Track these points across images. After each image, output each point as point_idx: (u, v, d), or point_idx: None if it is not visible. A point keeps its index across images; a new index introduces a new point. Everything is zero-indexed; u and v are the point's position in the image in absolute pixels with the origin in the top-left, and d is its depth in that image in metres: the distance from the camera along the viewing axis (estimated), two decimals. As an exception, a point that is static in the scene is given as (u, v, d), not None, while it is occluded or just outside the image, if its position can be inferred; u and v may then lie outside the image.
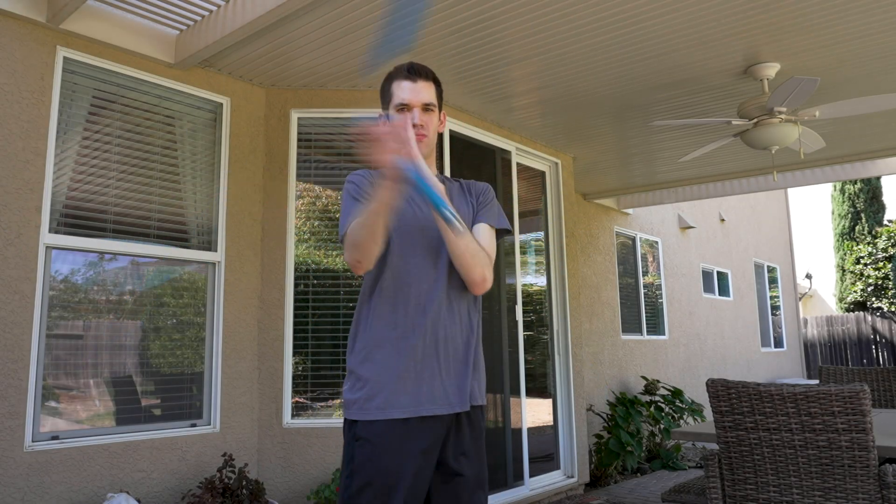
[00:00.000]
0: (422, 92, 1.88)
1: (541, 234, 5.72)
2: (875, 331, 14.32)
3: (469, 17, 3.51)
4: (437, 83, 1.95)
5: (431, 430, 1.74)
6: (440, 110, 1.95)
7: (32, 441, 3.17)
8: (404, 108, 1.87)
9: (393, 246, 1.83)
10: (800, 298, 16.31)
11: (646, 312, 8.23)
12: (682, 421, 7.30)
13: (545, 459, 5.35)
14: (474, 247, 1.80)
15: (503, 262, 5.12)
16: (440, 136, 1.87)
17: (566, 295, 5.67)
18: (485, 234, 1.92)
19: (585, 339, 7.01)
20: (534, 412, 5.30)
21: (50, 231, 3.34)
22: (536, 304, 5.54)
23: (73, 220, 3.45)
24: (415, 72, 1.89)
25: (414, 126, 1.84)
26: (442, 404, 1.77)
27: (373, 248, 1.70)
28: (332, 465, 4.01)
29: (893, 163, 6.35)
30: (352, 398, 1.77)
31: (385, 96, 1.94)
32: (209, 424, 3.86)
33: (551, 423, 5.48)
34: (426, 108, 1.88)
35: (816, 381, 10.52)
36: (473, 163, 4.97)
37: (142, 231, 3.71)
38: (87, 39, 3.52)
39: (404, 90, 1.87)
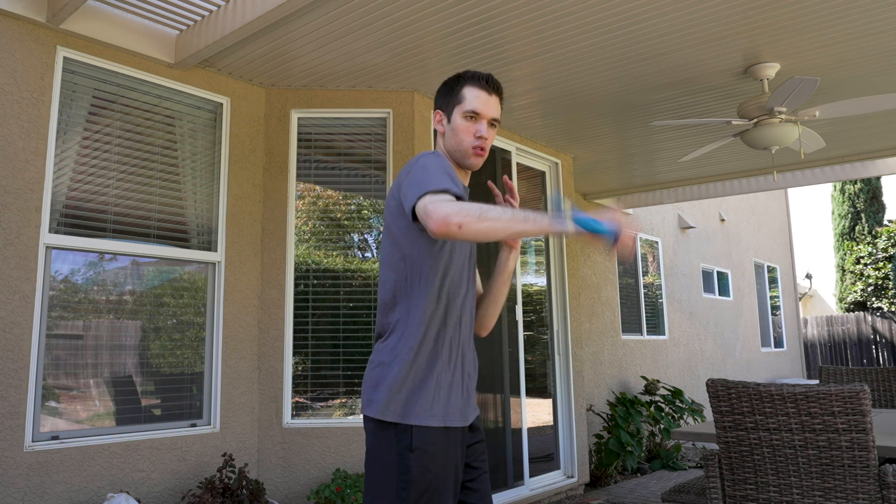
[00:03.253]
0: (493, 107, 1.86)
1: (541, 235, 5.71)
2: (875, 331, 14.32)
3: (469, 17, 3.51)
4: (503, 100, 1.94)
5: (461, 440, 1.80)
6: None
7: (32, 441, 3.17)
8: (474, 116, 1.84)
9: (452, 261, 1.80)
10: (800, 298, 16.31)
11: (646, 312, 8.23)
12: (682, 421, 7.30)
13: (545, 459, 5.35)
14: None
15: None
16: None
17: (566, 295, 5.67)
18: None
19: (585, 339, 7.01)
20: (534, 412, 5.30)
21: (50, 231, 3.34)
22: (536, 304, 5.54)
23: (73, 220, 3.45)
24: (493, 84, 1.86)
25: (479, 138, 1.84)
26: (465, 418, 1.81)
27: (481, 236, 1.53)
28: (332, 465, 4.01)
29: (893, 163, 6.35)
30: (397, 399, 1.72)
31: (452, 97, 1.87)
32: (209, 424, 3.86)
33: (551, 423, 5.48)
34: (492, 123, 1.87)
35: (816, 381, 10.52)
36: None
37: (142, 231, 3.71)
38: (87, 39, 3.52)
39: (480, 100, 1.84)
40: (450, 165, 1.76)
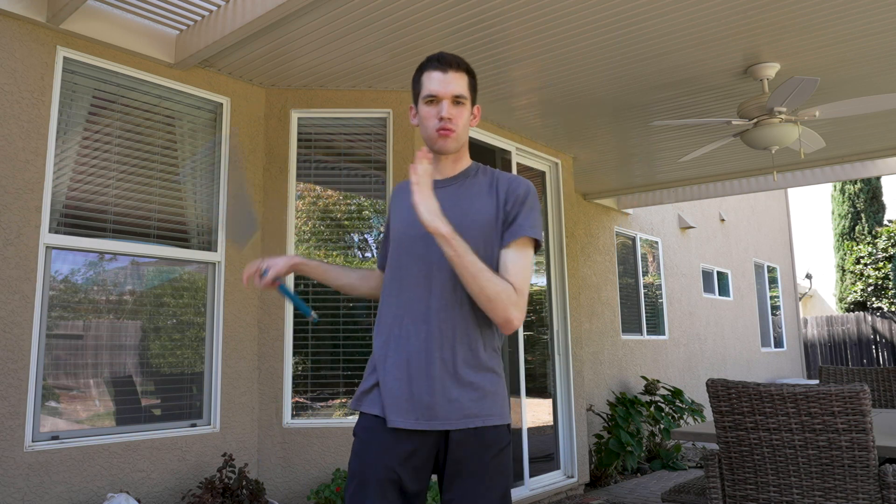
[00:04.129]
0: (452, 83, 1.75)
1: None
2: (875, 331, 14.32)
3: (469, 17, 3.51)
4: (471, 74, 1.81)
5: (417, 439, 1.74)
6: (473, 103, 1.82)
7: (32, 441, 3.17)
8: (433, 99, 1.76)
9: (393, 255, 1.83)
10: (800, 298, 16.31)
11: (646, 312, 8.23)
12: (682, 421, 7.30)
13: (545, 459, 5.35)
14: (492, 289, 1.64)
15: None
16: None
17: (566, 295, 5.67)
18: (512, 261, 1.72)
19: (585, 339, 7.01)
20: (534, 412, 5.30)
21: (50, 231, 3.34)
22: (536, 304, 5.54)
23: (73, 220, 3.45)
24: (445, 62, 1.76)
25: (441, 119, 1.74)
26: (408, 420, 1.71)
27: (350, 292, 1.90)
28: (332, 465, 4.01)
29: (893, 163, 6.35)
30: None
31: (415, 88, 1.82)
32: (209, 424, 3.86)
33: (551, 423, 5.48)
34: (456, 100, 1.75)
35: (816, 382, 10.51)
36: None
37: (142, 231, 3.71)
38: (87, 39, 3.52)
39: (434, 81, 1.75)
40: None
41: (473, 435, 1.68)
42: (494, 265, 1.74)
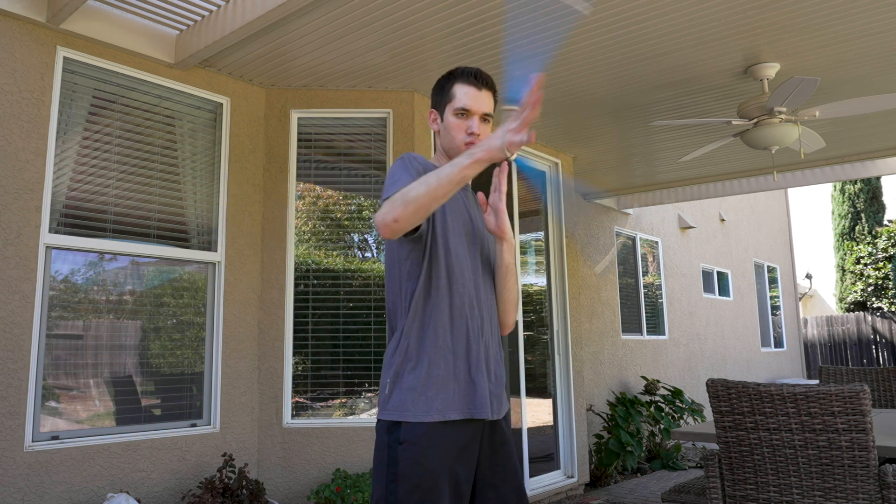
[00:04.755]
0: (484, 101, 1.85)
1: (541, 234, 5.72)
2: (875, 331, 14.32)
3: (469, 17, 3.51)
4: (496, 95, 1.92)
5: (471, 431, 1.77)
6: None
7: (32, 441, 3.17)
8: (465, 113, 1.84)
9: (445, 247, 1.79)
10: (800, 298, 16.31)
11: (646, 312, 8.23)
12: (682, 421, 7.30)
13: (545, 459, 5.35)
14: (517, 295, 1.92)
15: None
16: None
17: (566, 295, 5.67)
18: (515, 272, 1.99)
19: (585, 339, 7.01)
20: (534, 412, 5.30)
21: (50, 231, 3.34)
22: (536, 304, 5.54)
23: (73, 220, 3.45)
24: (482, 80, 1.85)
25: (471, 134, 1.83)
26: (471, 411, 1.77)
27: (420, 214, 1.56)
28: (332, 465, 4.01)
29: (893, 163, 6.35)
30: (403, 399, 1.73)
31: (443, 95, 1.88)
32: (209, 424, 3.86)
33: (551, 423, 5.48)
34: (484, 118, 1.86)
35: (816, 382, 10.51)
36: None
37: (142, 231, 3.71)
38: (87, 39, 3.52)
39: (469, 97, 1.84)
40: (414, 163, 1.78)
41: (505, 420, 1.88)
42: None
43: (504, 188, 1.82)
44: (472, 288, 1.81)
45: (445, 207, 1.83)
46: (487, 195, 2.00)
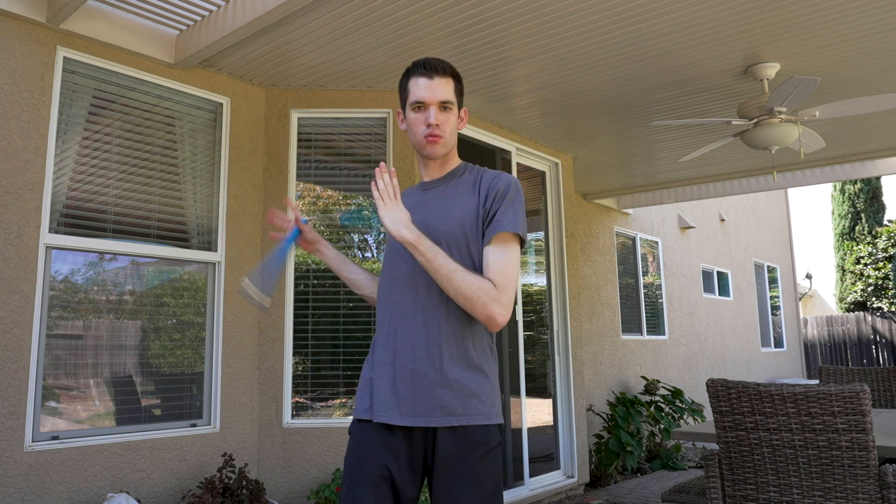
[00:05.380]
0: (438, 89, 1.77)
1: (541, 234, 5.73)
2: (875, 331, 14.32)
3: (469, 17, 3.51)
4: (457, 78, 1.83)
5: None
6: (460, 107, 1.85)
7: (32, 441, 3.17)
8: (420, 106, 1.78)
9: (386, 253, 1.89)
10: (800, 298, 16.31)
11: (646, 312, 8.23)
12: (682, 421, 7.30)
13: (545, 459, 5.35)
14: (467, 288, 1.65)
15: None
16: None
17: (566, 295, 5.67)
18: (493, 258, 1.72)
19: (585, 339, 7.01)
20: (534, 412, 5.30)
21: (50, 231, 3.34)
22: (536, 304, 5.54)
23: (73, 220, 3.45)
24: (431, 67, 1.78)
25: (429, 125, 1.77)
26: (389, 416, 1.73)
27: (358, 290, 1.99)
28: (332, 464, 4.01)
29: (893, 163, 6.35)
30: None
31: (402, 93, 1.85)
32: (209, 424, 3.86)
33: (551, 423, 5.48)
34: (443, 106, 1.78)
35: (816, 382, 10.50)
36: (473, 163, 4.97)
37: (142, 231, 3.71)
38: (87, 39, 3.52)
39: (420, 87, 1.77)
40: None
41: (460, 434, 1.67)
42: (478, 262, 1.76)
43: (377, 193, 1.73)
44: (402, 289, 1.78)
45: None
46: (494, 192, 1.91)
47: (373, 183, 1.74)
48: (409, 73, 1.82)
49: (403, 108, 1.85)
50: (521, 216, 1.77)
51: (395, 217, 1.69)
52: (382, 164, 1.73)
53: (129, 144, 3.71)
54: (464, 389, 1.70)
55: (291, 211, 1.97)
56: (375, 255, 4.41)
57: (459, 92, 1.84)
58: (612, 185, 7.33)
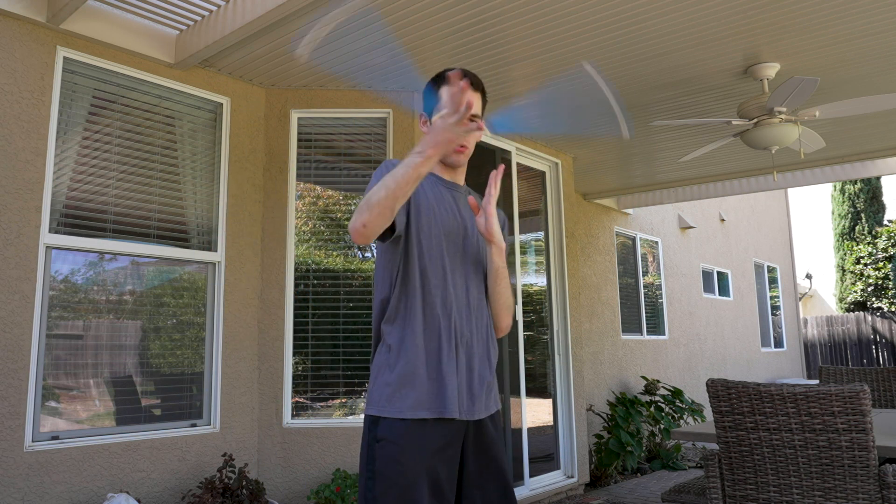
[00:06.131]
0: (473, 104, 1.81)
1: (541, 234, 5.72)
2: (875, 331, 14.32)
3: (469, 17, 3.51)
4: (485, 94, 1.92)
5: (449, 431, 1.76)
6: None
7: (32, 441, 3.17)
8: None
9: (419, 248, 1.80)
10: (800, 298, 16.31)
11: (646, 312, 8.23)
12: (682, 421, 7.30)
13: (545, 459, 5.35)
14: (511, 298, 1.90)
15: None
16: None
17: (566, 295, 5.67)
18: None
19: (585, 339, 7.01)
20: (534, 412, 5.30)
21: (50, 231, 3.34)
22: (536, 304, 5.54)
23: (73, 220, 3.45)
24: (470, 82, 1.84)
25: None
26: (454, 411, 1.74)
27: (385, 216, 1.59)
28: (332, 465, 4.01)
29: (893, 163, 6.35)
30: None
31: (432, 98, 1.89)
32: (209, 424, 3.86)
33: (551, 423, 5.48)
34: (472, 119, 1.84)
35: (816, 382, 10.50)
36: (473, 163, 4.97)
37: (142, 231, 3.71)
38: (87, 39, 3.52)
39: None
40: (390, 166, 1.79)
41: (495, 420, 1.86)
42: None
43: (494, 191, 1.80)
44: (450, 287, 1.80)
45: (421, 210, 1.81)
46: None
47: (494, 183, 1.81)
48: (442, 81, 1.89)
49: (430, 113, 1.91)
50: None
51: (497, 222, 1.89)
52: (502, 167, 1.83)
53: (129, 144, 3.71)
54: (492, 380, 1.90)
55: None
56: (375, 255, 4.40)
57: (485, 106, 1.93)
58: (612, 185, 7.33)
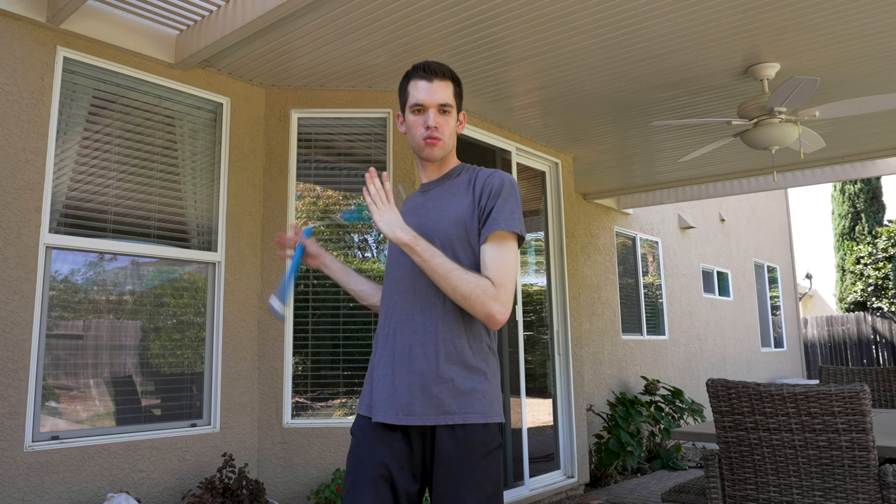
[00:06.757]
0: (438, 92, 1.79)
1: (541, 234, 5.72)
2: (875, 331, 14.32)
3: (469, 17, 3.51)
4: (456, 82, 1.86)
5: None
6: (459, 110, 1.87)
7: (32, 441, 3.17)
8: (419, 109, 1.80)
9: (387, 258, 1.92)
10: (800, 298, 16.31)
11: (646, 312, 8.23)
12: (682, 421, 7.30)
13: (545, 459, 5.35)
14: (465, 287, 1.65)
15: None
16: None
17: (566, 295, 5.67)
18: (490, 256, 1.72)
19: (585, 339, 7.01)
20: (534, 412, 5.30)
21: (50, 231, 3.34)
22: (536, 304, 5.54)
23: (73, 220, 3.45)
24: (431, 70, 1.80)
25: (428, 128, 1.79)
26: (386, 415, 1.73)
27: (363, 300, 2.02)
28: (332, 464, 4.01)
29: (893, 163, 6.35)
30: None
31: (402, 96, 1.87)
32: (209, 424, 3.86)
33: (551, 423, 5.48)
34: (442, 109, 1.80)
35: (816, 382, 10.51)
36: (473, 163, 4.97)
37: (142, 231, 3.71)
38: (87, 39, 3.52)
39: (420, 90, 1.80)
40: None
41: (459, 433, 1.66)
42: (477, 260, 1.75)
43: (369, 199, 1.77)
44: (395, 295, 1.81)
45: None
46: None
47: (364, 189, 1.77)
48: (408, 76, 1.84)
49: (403, 111, 1.87)
50: (518, 213, 1.77)
51: (389, 220, 1.71)
52: (372, 169, 1.76)
53: (129, 144, 3.71)
54: (460, 388, 1.69)
55: (293, 232, 2.04)
56: (375, 254, 4.41)
57: (458, 95, 1.86)
58: (612, 185, 7.33)
